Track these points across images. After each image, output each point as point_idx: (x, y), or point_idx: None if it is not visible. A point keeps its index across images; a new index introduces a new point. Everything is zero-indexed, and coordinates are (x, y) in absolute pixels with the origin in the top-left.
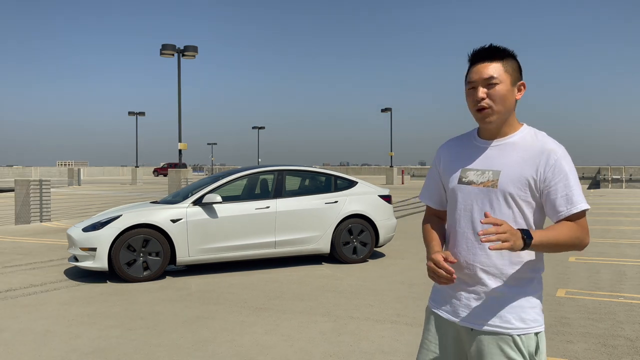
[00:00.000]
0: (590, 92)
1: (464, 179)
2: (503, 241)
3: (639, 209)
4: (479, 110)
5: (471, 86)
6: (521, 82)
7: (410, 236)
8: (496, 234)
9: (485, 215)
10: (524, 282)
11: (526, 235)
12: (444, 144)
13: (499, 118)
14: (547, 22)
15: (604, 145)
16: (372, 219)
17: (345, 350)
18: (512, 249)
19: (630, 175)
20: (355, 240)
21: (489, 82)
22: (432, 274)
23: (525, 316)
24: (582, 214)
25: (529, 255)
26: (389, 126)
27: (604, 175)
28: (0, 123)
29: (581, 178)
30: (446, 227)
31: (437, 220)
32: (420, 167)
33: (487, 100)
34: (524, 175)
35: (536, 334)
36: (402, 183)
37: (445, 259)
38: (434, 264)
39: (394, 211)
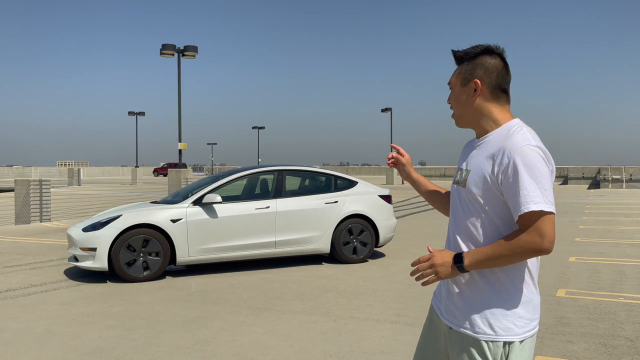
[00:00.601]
0: (591, 91)
1: (454, 178)
2: (428, 274)
3: (639, 209)
4: None
5: None
6: (472, 80)
7: (410, 236)
8: (419, 271)
9: (428, 249)
10: (499, 287)
11: (457, 259)
12: (465, 144)
13: (461, 120)
14: (550, 21)
15: (604, 145)
16: (372, 219)
17: (345, 350)
18: (441, 278)
19: (631, 175)
20: (356, 240)
21: (450, 89)
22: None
23: (494, 323)
24: (533, 215)
25: None
26: (389, 126)
27: (604, 175)
28: (0, 123)
29: (581, 178)
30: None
31: (445, 192)
32: (420, 167)
33: (451, 105)
34: (483, 174)
35: (506, 343)
36: (402, 183)
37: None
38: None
39: (394, 211)
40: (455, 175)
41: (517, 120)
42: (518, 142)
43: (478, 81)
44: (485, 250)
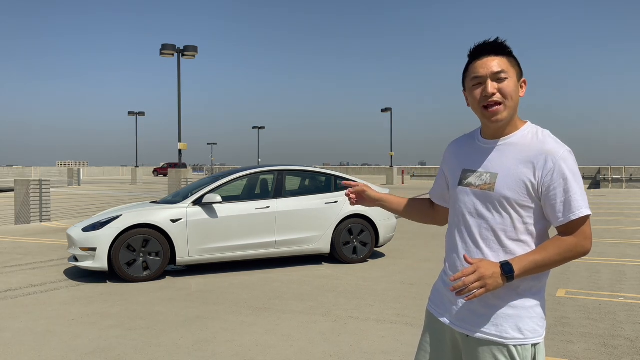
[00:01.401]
0: (591, 91)
1: (464, 181)
2: (475, 287)
3: (639, 209)
4: (488, 106)
5: (477, 82)
6: (523, 79)
7: (410, 236)
8: (465, 285)
9: (465, 258)
10: (523, 290)
11: (507, 269)
12: (452, 143)
13: (509, 115)
14: (551, 22)
15: (604, 145)
16: (372, 219)
17: (345, 350)
18: (489, 290)
19: (631, 175)
20: (355, 240)
21: (499, 77)
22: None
23: (523, 326)
24: (582, 220)
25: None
26: (389, 126)
27: (604, 175)
28: (0, 123)
29: (582, 178)
30: (447, 231)
31: (428, 203)
32: (420, 167)
33: (498, 95)
34: (521, 179)
35: (533, 345)
36: (402, 183)
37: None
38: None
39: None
40: (463, 177)
41: (530, 123)
42: (557, 147)
43: (526, 80)
44: (532, 258)
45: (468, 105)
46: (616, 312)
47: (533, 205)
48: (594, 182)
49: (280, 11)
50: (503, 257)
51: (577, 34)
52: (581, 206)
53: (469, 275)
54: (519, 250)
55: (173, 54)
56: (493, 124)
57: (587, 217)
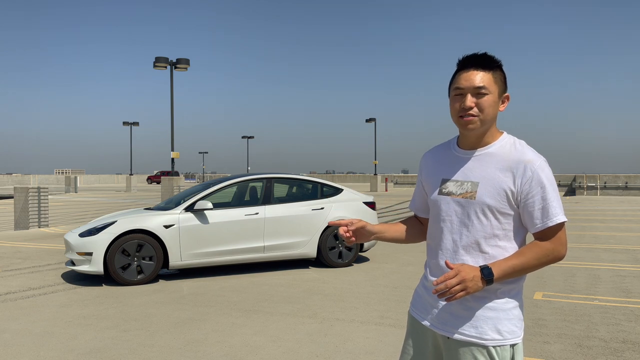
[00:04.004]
0: (566, 99)
1: (444, 190)
2: (456, 291)
3: (613, 215)
4: (462, 117)
5: (458, 92)
6: (506, 94)
7: None
8: (447, 288)
9: (446, 264)
10: (502, 293)
11: (486, 272)
12: (427, 153)
13: (482, 127)
14: (530, 31)
15: (579, 153)
16: None
17: (330, 350)
18: (469, 293)
19: (605, 183)
20: (341, 245)
21: (479, 92)
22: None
23: (501, 328)
24: (558, 226)
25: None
26: (374, 135)
27: (580, 183)
28: (0, 132)
29: (557, 185)
30: (427, 237)
31: (415, 220)
32: (403, 175)
33: (475, 110)
34: (502, 187)
35: (512, 345)
36: (386, 190)
37: (347, 231)
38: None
39: (378, 217)
40: (443, 186)
41: (506, 133)
42: (535, 157)
43: (509, 96)
44: (511, 262)
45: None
46: (591, 314)
47: (512, 213)
48: (569, 190)
49: (268, 21)
50: (482, 262)
51: (552, 42)
52: (557, 213)
53: (451, 279)
54: (498, 255)
55: (166, 67)
56: (467, 132)
57: (562, 224)
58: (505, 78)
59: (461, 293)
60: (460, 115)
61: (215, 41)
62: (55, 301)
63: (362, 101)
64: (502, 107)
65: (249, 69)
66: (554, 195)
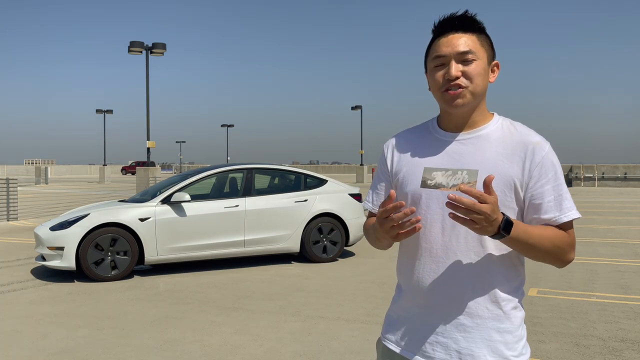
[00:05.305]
0: (563, 88)
1: (429, 182)
2: (474, 219)
3: (611, 207)
4: (448, 90)
5: (439, 62)
6: (495, 61)
7: None
8: (469, 211)
9: (485, 183)
10: (503, 317)
11: (505, 224)
12: (394, 138)
13: (473, 101)
14: (523, 19)
15: (576, 143)
16: (342, 218)
17: (315, 350)
18: (476, 231)
19: (603, 174)
20: (325, 239)
21: (465, 58)
22: (386, 227)
23: (507, 352)
24: (570, 224)
25: (506, 278)
26: (359, 124)
27: (576, 174)
28: None
29: None
30: (400, 245)
31: None
32: None
33: (462, 80)
34: (508, 174)
35: None
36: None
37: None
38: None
39: (364, 210)
40: (428, 177)
41: (497, 114)
42: (541, 139)
43: (499, 64)
44: (531, 230)
45: (429, 89)
46: (588, 312)
47: (516, 207)
48: (566, 181)
49: (249, 5)
50: (481, 269)
51: (547, 31)
52: (571, 207)
53: (481, 203)
54: (501, 259)
55: (141, 51)
56: (453, 110)
57: (572, 222)
58: (492, 42)
59: (475, 226)
60: (446, 88)
61: (192, 27)
62: (25, 298)
63: (347, 88)
64: (492, 78)
65: (226, 55)
66: (565, 187)
